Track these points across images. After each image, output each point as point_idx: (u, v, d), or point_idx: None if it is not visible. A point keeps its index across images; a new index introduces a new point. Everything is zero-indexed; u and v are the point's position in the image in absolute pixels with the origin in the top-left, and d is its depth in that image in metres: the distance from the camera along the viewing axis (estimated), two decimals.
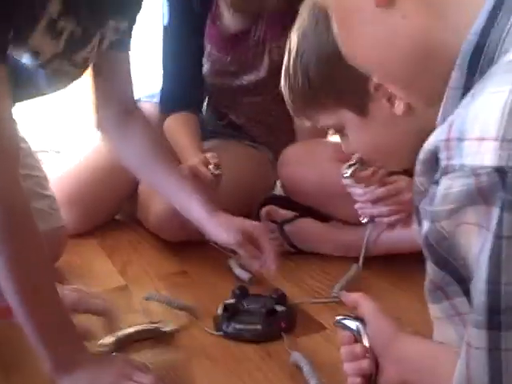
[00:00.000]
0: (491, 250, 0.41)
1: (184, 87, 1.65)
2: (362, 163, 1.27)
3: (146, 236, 1.56)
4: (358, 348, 0.79)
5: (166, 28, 1.63)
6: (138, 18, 1.26)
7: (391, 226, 1.31)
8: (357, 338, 0.80)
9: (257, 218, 1.48)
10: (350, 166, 1.26)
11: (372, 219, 1.32)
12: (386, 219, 1.30)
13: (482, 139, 0.41)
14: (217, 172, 1.38)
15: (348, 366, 0.81)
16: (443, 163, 0.43)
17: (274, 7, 1.58)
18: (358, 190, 1.29)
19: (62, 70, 1.14)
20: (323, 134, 1.75)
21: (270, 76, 1.66)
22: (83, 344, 0.97)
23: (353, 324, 0.82)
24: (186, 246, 1.49)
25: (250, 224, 1.29)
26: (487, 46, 0.48)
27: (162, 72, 1.68)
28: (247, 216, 1.54)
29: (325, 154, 1.47)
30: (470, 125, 0.42)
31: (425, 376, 0.75)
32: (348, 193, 1.33)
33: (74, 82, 1.24)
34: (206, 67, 1.69)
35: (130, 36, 1.28)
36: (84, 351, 0.96)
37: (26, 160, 1.38)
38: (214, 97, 1.77)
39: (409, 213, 1.29)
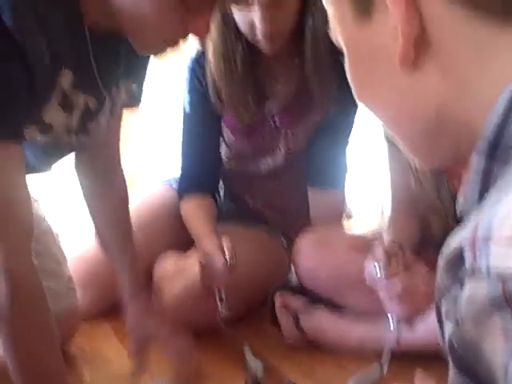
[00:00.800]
0: None
1: (201, 170, 1.67)
2: (387, 257, 1.26)
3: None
4: None
5: (185, 114, 1.68)
6: (146, 77, 1.30)
7: (408, 322, 1.29)
8: None
9: (271, 305, 1.46)
10: (379, 264, 1.26)
11: (399, 320, 1.30)
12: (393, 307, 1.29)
13: (510, 239, 0.39)
14: (231, 260, 1.39)
15: None
16: (468, 264, 0.42)
17: (282, 98, 1.62)
18: (385, 287, 1.28)
19: (71, 143, 1.16)
20: (339, 220, 1.76)
21: (286, 162, 1.69)
22: None
23: None
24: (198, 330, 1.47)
25: (155, 329, 1.30)
26: (507, 130, 0.47)
27: (180, 156, 1.71)
28: (261, 303, 1.53)
29: (340, 243, 1.47)
30: (497, 224, 0.41)
31: None
32: (363, 284, 1.32)
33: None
34: (223, 152, 1.72)
35: (140, 94, 1.31)
36: None
37: (45, 237, 1.40)
38: (231, 180, 1.79)
39: (422, 307, 1.28)
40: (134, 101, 1.30)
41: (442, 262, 0.46)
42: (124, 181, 1.42)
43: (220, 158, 1.72)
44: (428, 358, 1.21)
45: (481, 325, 0.41)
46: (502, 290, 0.39)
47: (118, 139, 1.39)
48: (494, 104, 0.48)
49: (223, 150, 1.72)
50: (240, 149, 1.69)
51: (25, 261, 0.94)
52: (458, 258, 0.43)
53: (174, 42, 1.05)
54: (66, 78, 1.03)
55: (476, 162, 0.49)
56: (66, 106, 1.07)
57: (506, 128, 0.47)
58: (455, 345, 0.43)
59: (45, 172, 1.27)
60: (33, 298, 0.94)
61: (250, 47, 1.51)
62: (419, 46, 0.50)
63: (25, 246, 0.95)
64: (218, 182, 1.77)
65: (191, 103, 1.65)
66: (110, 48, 1.11)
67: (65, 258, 1.44)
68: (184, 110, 1.67)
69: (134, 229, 1.64)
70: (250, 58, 1.54)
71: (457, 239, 0.44)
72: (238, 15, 1.47)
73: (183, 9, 0.97)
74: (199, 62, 1.63)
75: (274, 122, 1.65)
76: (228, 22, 1.50)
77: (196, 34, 1.03)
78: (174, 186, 1.76)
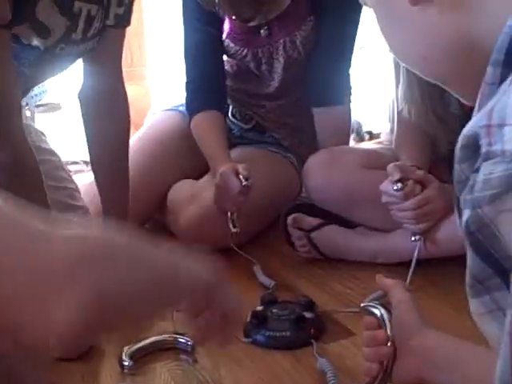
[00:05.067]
0: None
1: (208, 85, 1.65)
2: (404, 177, 1.27)
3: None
4: (380, 334, 0.79)
5: (184, 21, 1.65)
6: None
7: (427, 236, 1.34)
8: (381, 325, 0.80)
9: (284, 225, 1.48)
10: (397, 181, 1.27)
11: (421, 236, 1.34)
12: (412, 226, 1.32)
13: None
14: (247, 183, 1.40)
15: (367, 351, 0.81)
16: (484, 149, 0.43)
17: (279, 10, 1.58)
18: (402, 205, 1.30)
19: (72, 53, 1.21)
20: (345, 136, 1.74)
21: (288, 77, 1.67)
22: None
23: (377, 310, 0.81)
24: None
25: None
26: None
27: (185, 70, 1.68)
28: (274, 223, 1.54)
29: (351, 160, 1.47)
30: (510, 110, 0.42)
31: (444, 373, 0.74)
32: (375, 200, 1.33)
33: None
34: (227, 68, 1.71)
35: (130, 11, 1.31)
36: None
37: (56, 172, 1.41)
38: (238, 100, 1.78)
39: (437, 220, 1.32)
40: (123, 21, 1.30)
41: (458, 152, 0.47)
42: (126, 106, 1.40)
43: (224, 73, 1.70)
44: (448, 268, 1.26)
45: (497, 206, 0.42)
46: None
47: (119, 61, 1.37)
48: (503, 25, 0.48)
49: (227, 66, 1.71)
50: (242, 61, 1.68)
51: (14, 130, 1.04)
52: (474, 148, 0.44)
53: None
54: None
55: (491, 72, 0.50)
56: (64, 9, 1.10)
57: None
58: (472, 229, 0.44)
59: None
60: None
61: None
62: None
63: (15, 119, 1.05)
64: (226, 99, 1.74)
65: (187, 9, 1.63)
66: None
67: (78, 190, 1.45)
68: (182, 19, 1.65)
69: (144, 157, 1.65)
70: None
71: (470, 127, 0.45)
72: None
73: None
74: None
75: (271, 30, 1.62)
76: None
77: None
78: (181, 108, 1.74)
